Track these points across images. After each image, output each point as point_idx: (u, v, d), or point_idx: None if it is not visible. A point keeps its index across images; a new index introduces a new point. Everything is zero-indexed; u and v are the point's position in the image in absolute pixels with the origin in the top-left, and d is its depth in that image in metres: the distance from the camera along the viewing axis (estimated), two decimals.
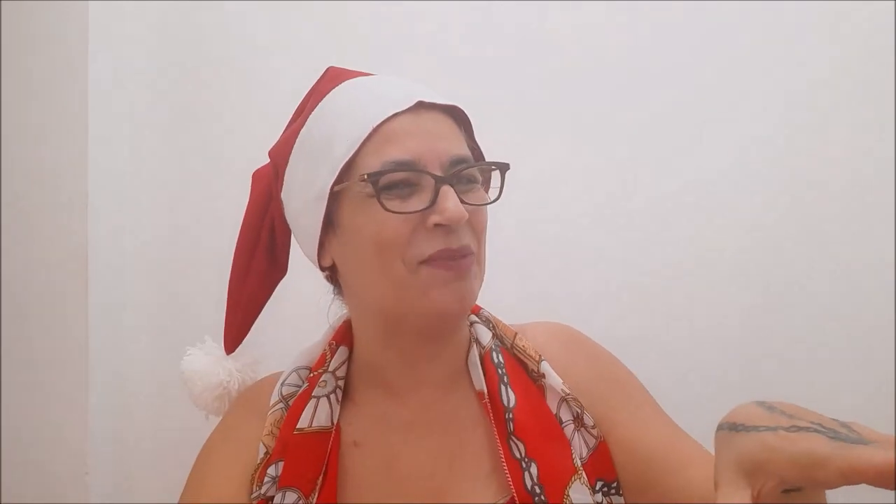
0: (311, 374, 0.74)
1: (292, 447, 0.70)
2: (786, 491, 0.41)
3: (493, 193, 0.71)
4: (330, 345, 0.76)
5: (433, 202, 0.63)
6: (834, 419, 0.41)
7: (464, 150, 0.68)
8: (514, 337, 0.76)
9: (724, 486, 0.41)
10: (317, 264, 0.73)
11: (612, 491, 0.70)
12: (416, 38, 1.13)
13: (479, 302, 0.76)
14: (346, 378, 0.75)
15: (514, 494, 0.66)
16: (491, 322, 0.78)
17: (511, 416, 0.69)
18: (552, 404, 0.72)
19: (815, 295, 1.09)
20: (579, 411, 0.71)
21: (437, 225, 0.64)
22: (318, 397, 0.72)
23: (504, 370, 0.72)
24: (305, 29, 1.15)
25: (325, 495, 0.68)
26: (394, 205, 0.63)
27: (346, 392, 0.74)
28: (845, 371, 1.08)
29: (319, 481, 0.69)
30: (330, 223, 0.68)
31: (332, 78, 0.74)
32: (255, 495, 0.70)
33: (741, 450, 0.41)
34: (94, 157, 1.07)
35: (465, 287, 0.65)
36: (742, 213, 1.10)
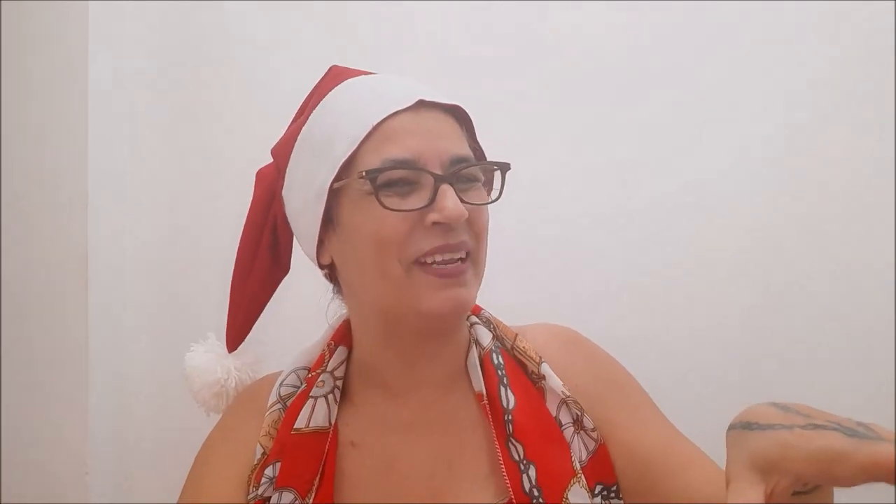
0: (310, 375, 0.74)
1: (289, 447, 0.69)
2: (795, 493, 0.40)
3: (494, 194, 0.71)
4: (329, 345, 0.76)
5: (432, 200, 0.63)
6: (850, 419, 0.40)
7: (464, 150, 0.68)
8: (515, 338, 0.76)
9: (735, 482, 0.40)
10: (316, 262, 0.73)
11: (612, 495, 0.70)
12: (416, 38, 1.13)
13: (479, 302, 0.76)
14: (345, 378, 0.75)
15: (512, 496, 0.66)
16: (492, 323, 0.78)
17: (510, 417, 0.69)
18: (552, 407, 0.71)
19: (815, 295, 1.09)
20: (579, 414, 0.71)
21: (435, 223, 0.63)
22: (316, 397, 0.72)
23: (504, 372, 0.72)
24: (305, 29, 1.15)
25: (321, 496, 0.68)
26: (392, 202, 0.63)
27: (344, 392, 0.74)
28: (845, 371, 1.08)
29: (316, 482, 0.68)
30: (329, 221, 0.68)
31: (335, 76, 0.74)
32: (251, 496, 0.69)
33: (755, 447, 0.40)
34: (94, 157, 1.07)
35: (459, 293, 0.65)
36: (742, 213, 1.10)
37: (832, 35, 1.09)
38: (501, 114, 1.07)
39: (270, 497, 0.69)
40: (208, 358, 0.80)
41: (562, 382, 0.72)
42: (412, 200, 0.64)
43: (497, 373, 0.72)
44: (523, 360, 0.74)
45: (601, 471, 0.70)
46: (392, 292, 0.65)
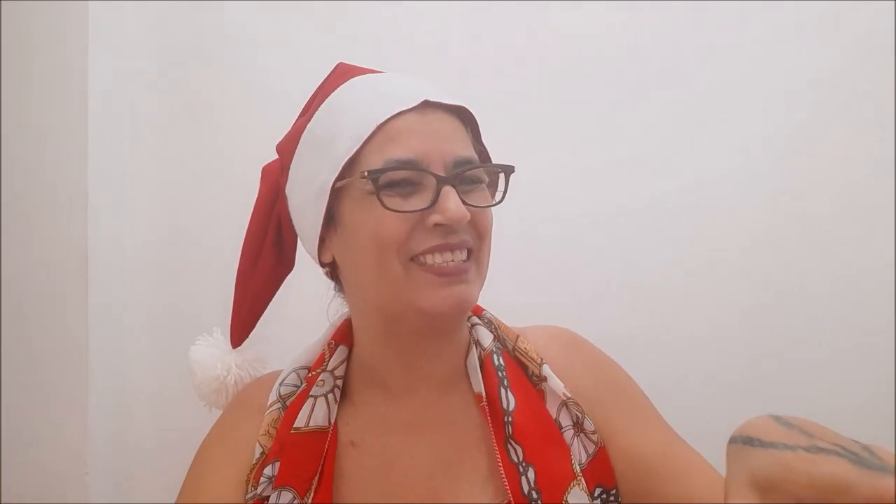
0: (310, 374, 0.74)
1: (289, 447, 0.69)
2: None
3: (498, 196, 0.70)
4: (329, 344, 0.75)
5: (434, 202, 0.63)
6: (855, 441, 0.39)
7: (468, 152, 0.68)
8: (516, 339, 0.75)
9: (734, 499, 0.40)
10: (317, 260, 0.73)
11: (611, 498, 0.70)
12: (416, 38, 1.13)
13: (479, 302, 0.76)
14: (345, 378, 0.74)
15: (511, 499, 0.65)
16: (493, 324, 0.77)
17: (510, 419, 0.69)
18: (552, 409, 0.71)
19: (815, 295, 1.09)
20: (580, 416, 0.71)
21: (437, 225, 0.63)
22: (316, 397, 0.72)
23: (504, 373, 0.72)
24: (305, 29, 1.15)
25: (320, 495, 0.68)
26: (394, 203, 0.63)
27: (344, 392, 0.74)
28: (845, 371, 1.08)
29: (315, 481, 0.68)
30: (331, 220, 0.68)
31: (341, 74, 0.74)
32: (250, 496, 0.69)
33: (756, 466, 0.39)
34: (94, 157, 1.07)
35: (459, 291, 0.64)
36: (742, 213, 1.10)
37: (832, 35, 1.09)
38: (501, 114, 1.07)
39: (269, 496, 0.68)
40: (211, 353, 0.80)
41: (563, 384, 0.71)
42: (414, 201, 0.64)
43: (497, 374, 0.71)
44: (524, 361, 0.74)
45: (601, 474, 0.70)
46: (391, 290, 0.65)
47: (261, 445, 0.71)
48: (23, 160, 1.09)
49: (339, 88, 0.71)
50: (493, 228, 0.70)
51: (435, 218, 0.63)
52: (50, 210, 1.08)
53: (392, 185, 0.64)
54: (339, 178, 0.66)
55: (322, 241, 0.70)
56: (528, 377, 0.73)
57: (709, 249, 1.10)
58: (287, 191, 0.73)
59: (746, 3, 1.10)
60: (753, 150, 1.10)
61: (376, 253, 0.64)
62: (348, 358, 0.75)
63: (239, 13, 1.15)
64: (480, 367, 0.72)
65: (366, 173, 0.63)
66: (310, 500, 0.68)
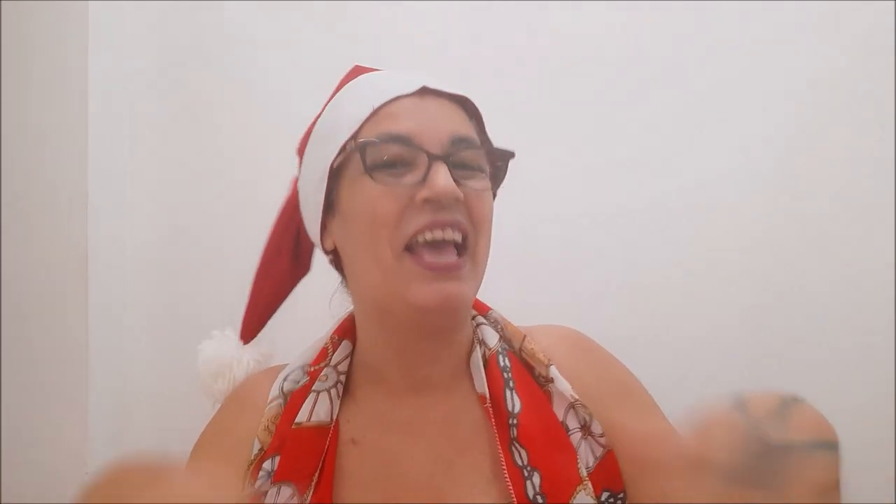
0: (312, 369, 0.73)
1: (289, 442, 0.68)
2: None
3: (500, 192, 0.70)
4: (332, 338, 0.75)
5: (424, 178, 0.63)
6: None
7: (467, 131, 0.67)
8: (523, 340, 0.74)
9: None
10: (320, 248, 0.73)
11: (619, 502, 0.69)
12: (417, 38, 1.13)
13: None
14: (348, 373, 0.74)
15: (515, 503, 0.64)
16: (500, 324, 0.76)
17: (515, 421, 0.68)
18: (559, 411, 0.70)
19: (815, 295, 1.09)
20: (587, 419, 0.70)
21: (426, 201, 0.62)
22: (319, 392, 0.71)
23: (510, 374, 0.71)
24: (305, 29, 1.15)
25: (320, 493, 0.67)
26: (385, 179, 0.63)
27: (346, 388, 0.73)
28: (845, 371, 1.08)
29: (315, 477, 0.67)
30: (331, 206, 0.68)
31: (353, 73, 0.75)
32: (246, 493, 0.68)
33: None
34: (94, 157, 1.07)
35: (449, 287, 0.63)
36: (742, 213, 1.10)
37: (832, 35, 1.09)
38: (501, 114, 1.06)
39: (267, 491, 0.68)
40: (221, 347, 0.81)
41: (570, 386, 0.71)
42: (406, 180, 0.64)
43: (503, 375, 0.70)
44: (531, 362, 0.73)
45: (608, 477, 0.69)
46: (382, 280, 0.65)
47: (259, 441, 0.70)
48: (23, 160, 1.09)
49: (347, 84, 0.73)
50: (493, 227, 0.70)
51: (423, 193, 0.62)
52: (50, 210, 1.08)
53: (386, 165, 0.64)
54: (335, 160, 0.66)
55: (324, 227, 0.70)
56: (534, 378, 0.72)
57: (709, 249, 1.10)
58: (298, 186, 0.73)
59: (746, 3, 1.10)
60: (753, 150, 1.10)
61: (369, 234, 0.64)
62: (351, 353, 0.75)
63: (239, 13, 1.15)
64: (484, 367, 0.71)
65: (355, 143, 0.64)
66: (309, 497, 0.67)
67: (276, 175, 1.14)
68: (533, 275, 1.11)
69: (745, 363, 1.10)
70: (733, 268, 1.10)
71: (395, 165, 0.64)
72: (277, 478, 0.68)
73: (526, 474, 0.66)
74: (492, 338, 0.74)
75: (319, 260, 0.78)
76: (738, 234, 1.10)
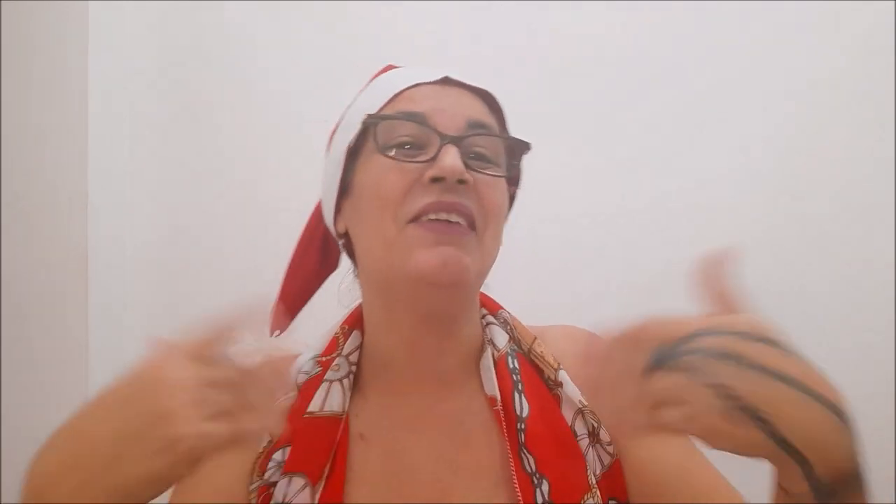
0: (324, 359, 0.72)
1: (301, 431, 0.67)
2: None
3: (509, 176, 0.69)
4: (342, 328, 0.74)
5: (433, 158, 0.62)
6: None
7: (484, 117, 0.67)
8: (533, 342, 0.73)
9: None
10: (332, 230, 0.72)
11: None
12: (417, 38, 1.13)
13: None
14: (357, 365, 0.73)
15: None
16: (509, 324, 0.75)
17: (523, 426, 0.66)
18: (567, 415, 0.69)
19: (815, 295, 1.09)
20: (595, 425, 0.68)
21: (433, 180, 0.62)
22: (331, 381, 0.70)
23: (519, 377, 0.69)
24: (305, 29, 1.15)
25: (331, 486, 0.65)
26: (396, 158, 0.63)
27: (355, 380, 0.72)
28: (845, 371, 1.07)
29: (326, 469, 0.66)
30: (347, 187, 0.68)
31: (384, 70, 0.75)
32: (254, 485, 0.66)
33: None
34: (94, 157, 1.07)
35: (452, 253, 0.61)
36: (742, 213, 1.10)
37: (832, 35, 1.09)
38: None
39: (276, 483, 0.66)
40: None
41: (579, 391, 0.69)
42: (417, 159, 0.63)
43: (512, 377, 0.69)
44: (540, 365, 0.71)
45: (615, 486, 0.67)
46: (386, 252, 0.64)
47: (269, 433, 0.68)
48: (23, 160, 1.09)
49: (374, 80, 0.73)
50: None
51: (430, 172, 0.62)
52: (50, 210, 1.08)
53: (398, 144, 0.64)
54: (353, 139, 0.67)
55: (339, 210, 0.70)
56: (543, 381, 0.71)
57: (708, 250, 1.10)
58: (322, 174, 0.74)
59: (746, 3, 1.10)
60: (753, 150, 1.10)
61: (375, 210, 0.64)
62: (360, 345, 0.74)
63: (239, 13, 1.15)
64: (494, 368, 0.70)
65: (367, 115, 0.64)
66: (320, 490, 0.65)
67: (276, 175, 1.15)
68: (533, 275, 1.10)
69: None
70: (733, 268, 1.10)
71: (408, 145, 0.64)
72: (288, 468, 0.66)
73: (535, 482, 0.64)
74: (501, 338, 0.72)
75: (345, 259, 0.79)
76: (738, 234, 1.10)
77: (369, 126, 0.64)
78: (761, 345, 0.45)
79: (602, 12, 1.12)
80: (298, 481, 0.65)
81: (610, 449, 0.68)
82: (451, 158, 0.61)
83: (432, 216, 0.62)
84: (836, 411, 0.43)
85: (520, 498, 0.63)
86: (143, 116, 1.15)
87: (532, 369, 0.71)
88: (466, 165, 0.62)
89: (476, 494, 0.66)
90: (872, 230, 1.08)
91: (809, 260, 1.09)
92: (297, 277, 0.78)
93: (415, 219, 0.62)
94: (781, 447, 0.42)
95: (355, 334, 0.73)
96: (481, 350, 0.72)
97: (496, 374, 0.69)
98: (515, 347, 0.73)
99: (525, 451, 0.66)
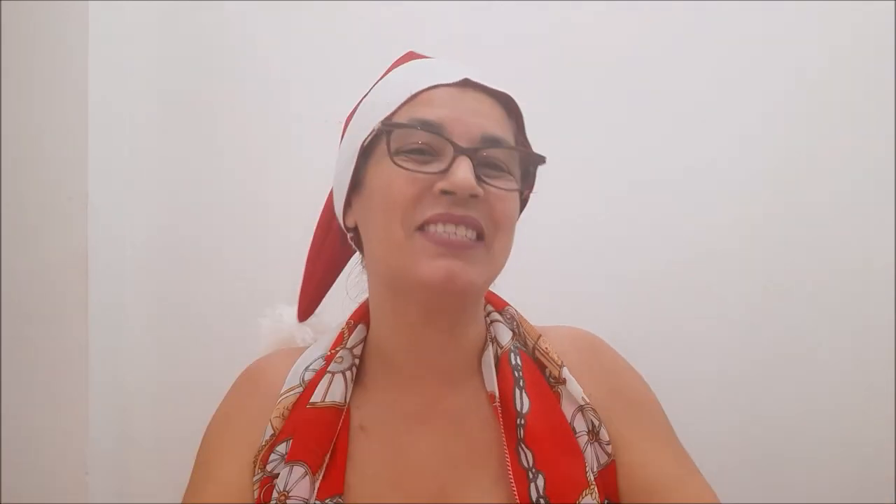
0: (329, 353, 0.73)
1: (303, 422, 0.68)
2: None
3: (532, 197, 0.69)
4: (348, 323, 0.75)
5: (446, 170, 0.62)
6: None
7: (499, 132, 0.66)
8: (538, 339, 0.74)
9: None
10: (342, 223, 0.73)
11: None
12: (417, 38, 1.13)
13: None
14: (361, 358, 0.73)
15: None
16: (515, 321, 0.76)
17: (523, 422, 0.67)
18: (567, 412, 0.69)
19: (815, 295, 1.09)
20: (596, 423, 0.69)
21: (443, 193, 0.62)
22: (334, 373, 0.70)
23: (521, 374, 0.70)
24: (305, 29, 1.15)
25: (331, 475, 0.66)
26: (407, 164, 0.63)
27: (358, 373, 0.73)
28: (845, 371, 1.08)
29: (327, 458, 0.67)
30: (358, 183, 0.68)
31: (404, 58, 0.75)
32: (256, 477, 0.68)
33: None
34: (94, 157, 1.07)
35: (458, 268, 0.62)
36: (742, 213, 1.10)
37: (832, 35, 1.09)
38: None
39: (279, 473, 0.67)
40: (277, 323, 0.83)
41: (581, 389, 0.70)
42: (429, 168, 0.63)
43: (513, 374, 0.70)
44: (544, 361, 0.72)
45: (611, 486, 0.68)
46: (393, 256, 0.64)
47: (273, 427, 0.69)
48: (23, 160, 1.09)
49: (395, 69, 0.73)
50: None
51: (441, 184, 0.62)
52: (50, 210, 1.08)
53: (412, 151, 0.63)
54: (366, 139, 0.66)
55: (349, 204, 0.70)
56: (545, 378, 0.71)
57: (708, 249, 1.10)
58: (335, 163, 0.74)
59: (746, 2, 1.10)
60: (753, 150, 1.10)
61: (383, 214, 0.64)
62: (365, 338, 0.75)
63: (239, 13, 1.15)
64: (496, 365, 0.70)
65: (380, 123, 0.64)
66: (320, 479, 0.66)
67: (276, 175, 1.15)
68: (533, 275, 1.10)
69: (746, 363, 1.10)
70: (733, 268, 1.10)
71: (421, 152, 0.64)
72: (290, 458, 0.67)
73: (531, 476, 0.65)
74: (505, 335, 0.73)
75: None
76: (737, 232, 1.10)
77: (383, 132, 0.64)
78: None
79: (602, 12, 1.12)
80: (299, 470, 0.66)
81: (608, 448, 0.69)
82: (463, 172, 0.61)
83: (440, 228, 0.62)
84: None
85: (514, 492, 0.64)
86: (143, 116, 1.15)
87: (534, 366, 0.72)
88: (479, 177, 0.62)
89: (474, 489, 0.67)
90: (872, 230, 1.08)
91: (809, 259, 1.09)
92: (319, 260, 0.80)
93: (422, 226, 0.63)
94: None
95: (360, 328, 0.74)
96: (484, 347, 0.72)
97: (498, 370, 0.70)
98: (519, 344, 0.73)
99: (524, 446, 0.66)
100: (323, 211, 0.80)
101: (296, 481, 0.66)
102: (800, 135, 1.10)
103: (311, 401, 0.69)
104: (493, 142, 0.65)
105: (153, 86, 1.16)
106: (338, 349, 0.73)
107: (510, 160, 0.67)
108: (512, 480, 0.65)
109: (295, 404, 0.70)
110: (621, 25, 1.12)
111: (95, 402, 1.06)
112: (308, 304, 0.82)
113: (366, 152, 0.67)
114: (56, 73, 1.08)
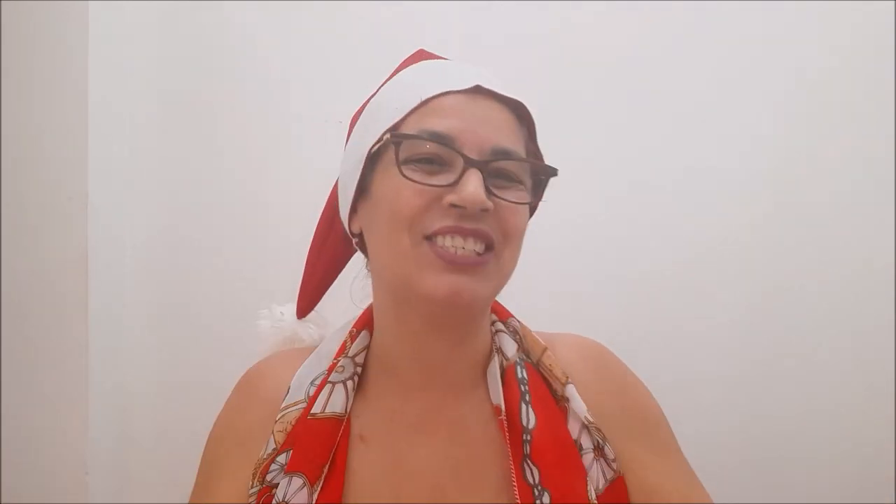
0: (332, 362, 0.72)
1: (303, 433, 0.68)
2: None
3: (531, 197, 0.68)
4: (351, 332, 0.74)
5: (455, 182, 0.61)
6: None
7: (511, 144, 0.65)
8: (543, 353, 0.73)
9: None
10: (348, 229, 0.72)
11: None
12: (417, 39, 1.13)
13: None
14: (363, 366, 0.73)
15: None
16: (519, 333, 0.75)
17: (529, 437, 0.66)
18: (573, 429, 0.69)
19: (814, 295, 1.09)
20: (600, 441, 0.68)
21: (452, 206, 0.61)
22: (335, 383, 0.70)
23: (527, 387, 0.69)
24: (305, 29, 1.15)
25: (330, 486, 0.66)
26: (416, 176, 0.62)
27: (359, 382, 0.72)
28: (845, 371, 1.08)
29: (325, 469, 0.66)
30: (365, 190, 0.67)
31: (415, 57, 0.74)
32: (253, 490, 0.67)
33: None
34: (94, 157, 1.07)
35: (460, 282, 0.61)
36: (742, 213, 1.10)
37: (833, 34, 1.09)
38: None
39: (278, 484, 0.66)
40: (277, 323, 0.82)
41: (586, 407, 0.69)
42: (438, 180, 0.62)
43: (520, 388, 0.69)
44: (548, 378, 0.71)
45: (617, 502, 0.67)
46: (399, 265, 0.63)
47: (275, 441, 0.69)
48: (23, 160, 1.09)
49: (406, 68, 0.71)
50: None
51: (450, 197, 0.61)
52: (50, 210, 1.08)
53: (421, 160, 0.62)
54: (374, 146, 0.65)
55: (355, 210, 0.69)
56: (551, 392, 0.71)
57: (709, 249, 1.10)
58: (341, 163, 0.73)
59: (746, 2, 1.10)
60: (753, 150, 1.10)
61: (388, 224, 0.63)
62: (368, 346, 0.74)
63: (239, 13, 1.15)
64: (502, 377, 0.69)
65: (389, 135, 0.62)
66: (318, 490, 0.66)
67: (276, 175, 1.15)
68: (533, 275, 1.10)
69: (746, 363, 1.10)
70: (733, 268, 1.10)
71: (430, 162, 0.62)
72: (289, 468, 0.67)
73: (536, 493, 0.64)
74: (510, 347, 0.72)
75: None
76: (738, 233, 1.10)
77: (392, 143, 0.63)
78: None
79: (602, 12, 1.12)
80: (297, 481, 0.66)
81: (614, 465, 0.68)
82: (473, 186, 0.60)
83: (448, 241, 0.62)
84: None
85: None
86: (143, 116, 1.15)
87: (540, 380, 0.71)
88: (489, 189, 0.61)
89: (475, 499, 0.66)
90: (872, 230, 1.08)
91: (809, 260, 1.09)
92: (321, 257, 0.79)
93: (431, 237, 0.62)
94: None
95: (363, 335, 0.73)
96: (490, 357, 0.71)
97: (504, 383, 0.69)
98: (524, 357, 0.72)
99: (529, 462, 0.65)
100: (325, 209, 0.79)
101: (294, 492, 0.65)
102: (800, 135, 1.10)
103: (311, 412, 0.68)
104: (503, 154, 0.63)
105: (153, 86, 1.16)
106: (340, 357, 0.72)
107: (521, 170, 0.66)
108: (517, 495, 0.64)
109: (298, 419, 0.70)
110: (621, 25, 1.12)
111: (95, 402, 1.06)
112: (308, 303, 0.81)
113: (373, 158, 0.66)
114: (56, 73, 1.08)
